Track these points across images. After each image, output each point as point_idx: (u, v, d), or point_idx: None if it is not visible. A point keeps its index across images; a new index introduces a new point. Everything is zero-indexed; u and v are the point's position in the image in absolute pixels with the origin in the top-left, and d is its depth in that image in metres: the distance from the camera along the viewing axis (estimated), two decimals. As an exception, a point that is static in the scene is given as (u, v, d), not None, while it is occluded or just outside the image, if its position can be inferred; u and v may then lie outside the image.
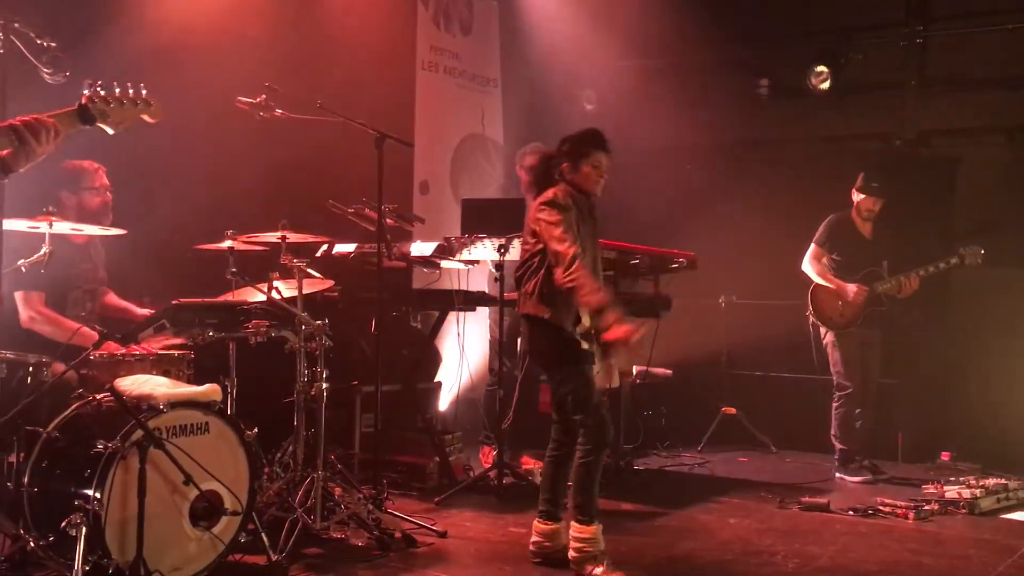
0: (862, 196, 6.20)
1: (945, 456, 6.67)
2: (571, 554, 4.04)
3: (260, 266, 4.58)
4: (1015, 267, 6.65)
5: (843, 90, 7.40)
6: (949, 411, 6.86)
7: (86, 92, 3.06)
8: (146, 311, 4.61)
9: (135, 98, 3.16)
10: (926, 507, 5.26)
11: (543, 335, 4.11)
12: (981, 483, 5.58)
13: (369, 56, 6.75)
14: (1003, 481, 5.63)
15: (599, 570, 3.95)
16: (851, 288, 6.13)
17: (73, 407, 3.63)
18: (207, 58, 5.44)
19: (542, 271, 4.04)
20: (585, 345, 4.04)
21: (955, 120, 7.26)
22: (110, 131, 3.13)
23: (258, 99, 4.63)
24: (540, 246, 4.07)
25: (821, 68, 7.37)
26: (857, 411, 6.24)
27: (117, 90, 3.12)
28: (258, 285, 4.44)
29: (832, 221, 6.31)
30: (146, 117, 3.20)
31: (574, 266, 3.88)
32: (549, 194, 4.09)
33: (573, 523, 4.06)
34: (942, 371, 6.95)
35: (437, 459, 5.65)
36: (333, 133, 5.28)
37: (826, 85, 7.39)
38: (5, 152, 2.96)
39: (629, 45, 7.96)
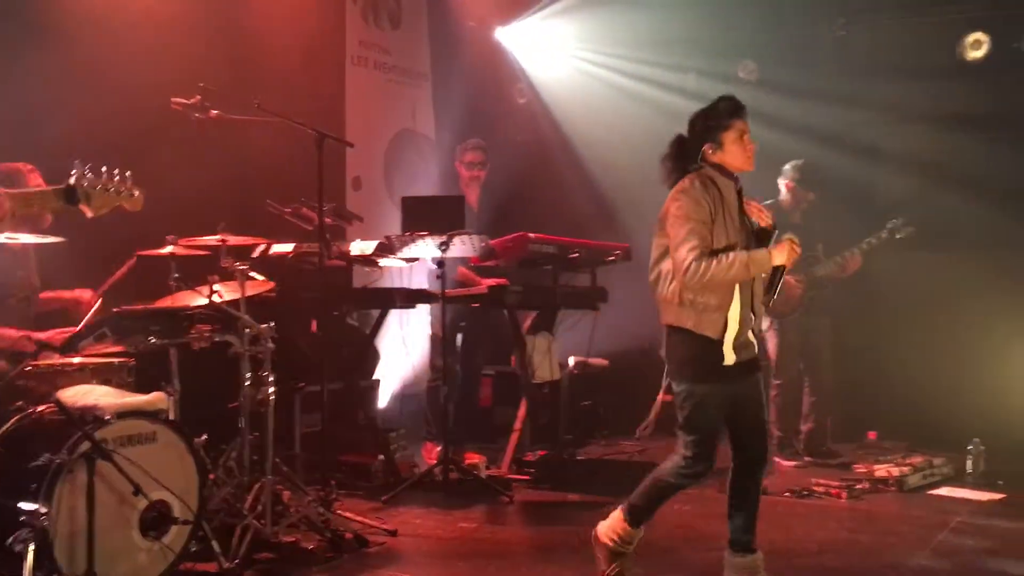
0: (798, 187, 6.35)
1: (872, 435, 6.93)
2: (604, 538, 3.84)
3: (200, 270, 4.50)
4: (932, 250, 6.91)
5: (771, 83, 7.56)
6: (874, 392, 7.11)
7: (74, 173, 3.11)
8: (76, 294, 4.51)
9: (119, 185, 3.21)
10: (858, 486, 5.47)
11: (680, 344, 3.64)
12: (908, 461, 5.81)
13: (299, 52, 6.68)
14: (928, 458, 5.88)
15: (615, 572, 3.81)
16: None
17: (13, 420, 3.54)
18: (139, 60, 5.32)
19: (674, 276, 3.62)
20: (730, 359, 3.62)
21: (874, 108, 7.49)
22: (89, 214, 3.18)
23: (193, 100, 4.55)
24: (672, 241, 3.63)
25: (749, 63, 7.56)
26: (812, 400, 6.38)
27: (104, 175, 3.19)
28: (199, 289, 4.37)
29: (763, 209, 6.46)
30: (126, 205, 3.28)
31: (690, 272, 3.48)
32: (684, 182, 3.62)
33: (620, 516, 3.85)
34: (866, 353, 7.18)
35: (381, 457, 5.65)
36: (266, 133, 5.23)
37: (755, 77, 7.58)
38: None
39: (562, 37, 8.03)
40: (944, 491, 5.55)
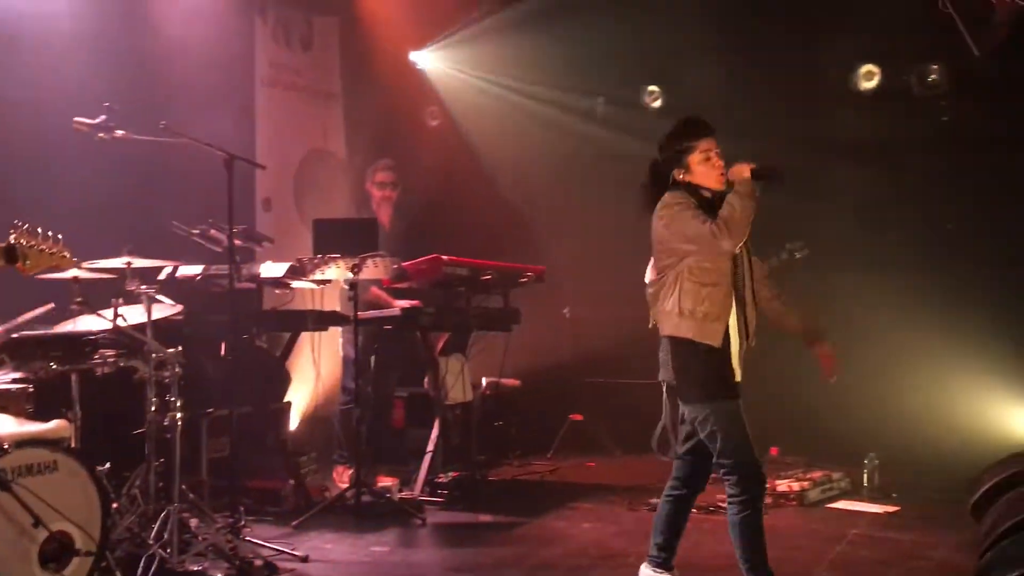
0: None
1: (774, 451, 7.14)
2: None
3: (105, 293, 4.41)
4: (828, 271, 7.19)
5: (675, 108, 7.78)
6: (775, 409, 7.32)
7: (14, 233, 3.31)
8: None
9: (51, 247, 3.41)
10: (761, 501, 5.63)
11: (690, 359, 3.66)
12: (808, 476, 6.01)
13: (208, 73, 6.60)
14: (827, 473, 6.09)
15: None
16: None
17: (-96, 451, 3.40)
18: (44, 79, 5.19)
19: (678, 285, 3.66)
20: (738, 376, 3.69)
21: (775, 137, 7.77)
22: (25, 273, 3.39)
23: (97, 120, 4.47)
24: (670, 260, 3.68)
25: (653, 87, 7.78)
26: None
27: (41, 237, 3.40)
28: (103, 313, 4.27)
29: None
30: (62, 265, 3.51)
31: (719, 231, 3.51)
32: (664, 198, 3.69)
33: None
34: (767, 371, 7.39)
35: (292, 481, 5.59)
36: (174, 153, 5.15)
37: (658, 103, 7.78)
38: None
39: (473, 62, 8.11)
40: (842, 504, 5.76)
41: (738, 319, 3.71)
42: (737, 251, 3.68)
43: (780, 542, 4.89)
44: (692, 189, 3.69)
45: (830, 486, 5.95)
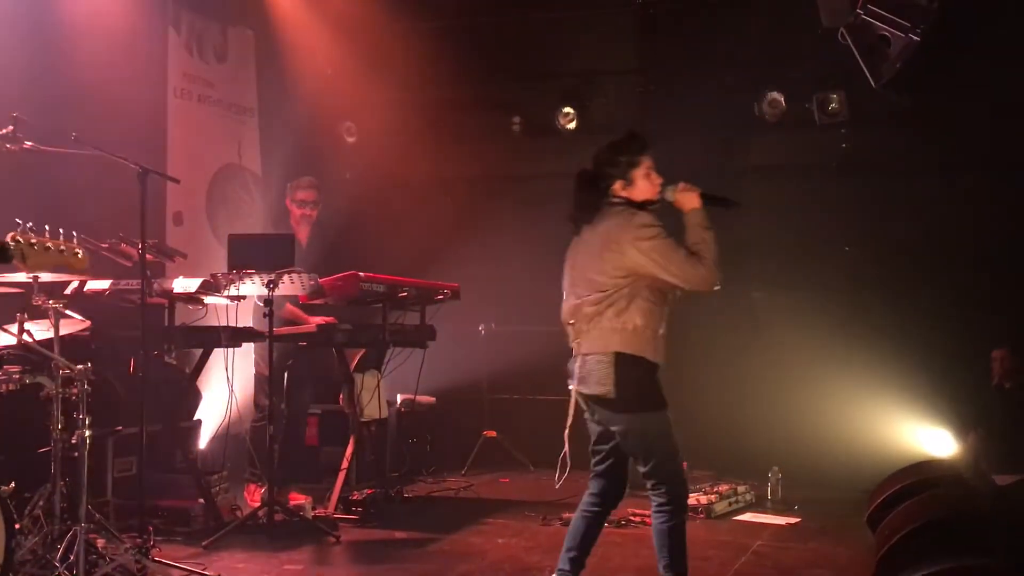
0: None
1: (683, 465, 7.30)
2: None
3: (9, 308, 4.29)
4: (745, 286, 7.44)
5: (588, 129, 7.95)
6: (684, 424, 7.47)
7: (14, 232, 3.06)
8: None
9: (59, 245, 3.17)
10: (671, 514, 5.77)
11: (634, 375, 3.65)
12: (715, 489, 6.19)
13: (119, 83, 6.48)
14: (733, 486, 6.28)
15: None
16: None
17: None
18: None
19: (632, 304, 3.63)
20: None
21: (685, 160, 7.98)
22: (25, 272, 3.26)
23: (5, 130, 4.36)
24: (627, 279, 3.64)
25: (568, 109, 7.90)
26: None
27: (45, 235, 3.15)
28: (8, 328, 4.16)
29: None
30: (72, 264, 3.25)
31: (711, 271, 3.60)
32: (639, 220, 3.65)
33: None
34: (676, 387, 7.57)
35: (202, 500, 5.49)
36: (82, 165, 5.05)
37: (572, 125, 7.93)
38: None
39: (389, 79, 8.13)
40: (747, 517, 5.96)
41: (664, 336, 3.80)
42: None
43: (690, 552, 5.02)
44: (628, 203, 3.72)
45: (736, 499, 6.14)
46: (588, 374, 3.72)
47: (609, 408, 3.71)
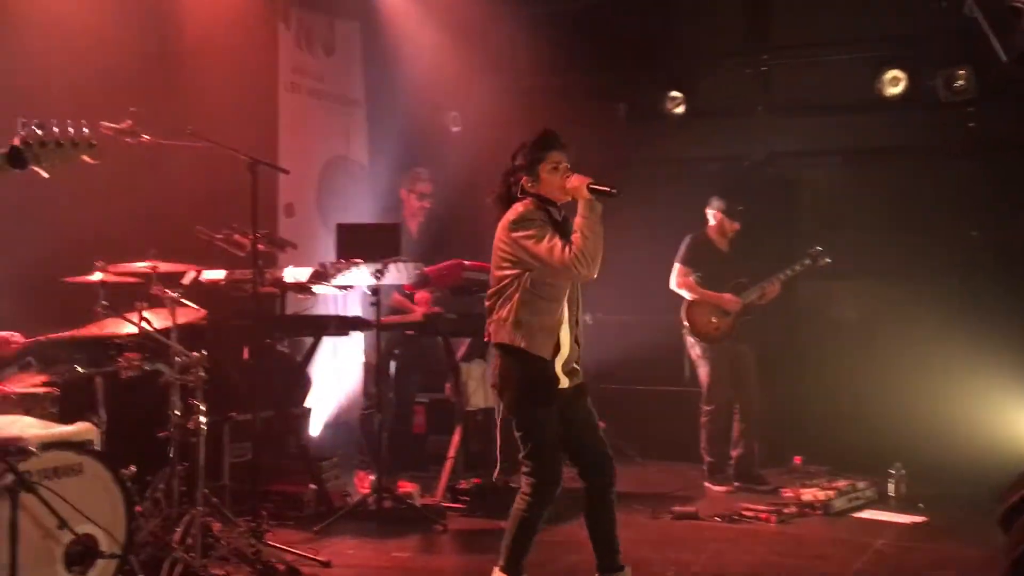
0: (725, 217, 6.52)
1: (797, 460, 7.08)
2: None
3: (130, 297, 4.42)
4: (852, 278, 7.14)
5: (696, 114, 7.76)
6: (799, 417, 7.28)
7: (21, 133, 2.86)
8: (5, 335, 4.36)
9: (74, 138, 2.96)
10: (786, 510, 5.58)
11: (514, 366, 3.76)
12: (833, 485, 5.95)
13: (232, 78, 6.63)
14: (852, 482, 6.02)
15: None
16: (728, 296, 6.41)
17: (-68, 453, 3.42)
18: (69, 84, 5.21)
19: (516, 296, 3.74)
20: (564, 383, 3.83)
21: (797, 142, 7.73)
22: (44, 175, 2.96)
23: (123, 124, 4.48)
24: (513, 271, 3.77)
25: (676, 93, 7.72)
26: (742, 426, 6.49)
27: (56, 129, 2.92)
28: (128, 317, 4.28)
29: (692, 240, 6.61)
30: (86, 158, 3.02)
31: (567, 253, 3.63)
32: (513, 212, 3.80)
33: (496, 569, 3.84)
34: (791, 378, 7.35)
35: (313, 486, 5.58)
36: (197, 158, 5.17)
37: (680, 110, 7.75)
38: None
39: (494, 67, 8.09)
40: (868, 514, 5.69)
41: (571, 329, 3.85)
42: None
43: (805, 551, 4.85)
44: (540, 199, 3.82)
45: (856, 495, 5.89)
46: (490, 365, 3.90)
47: (501, 398, 3.84)
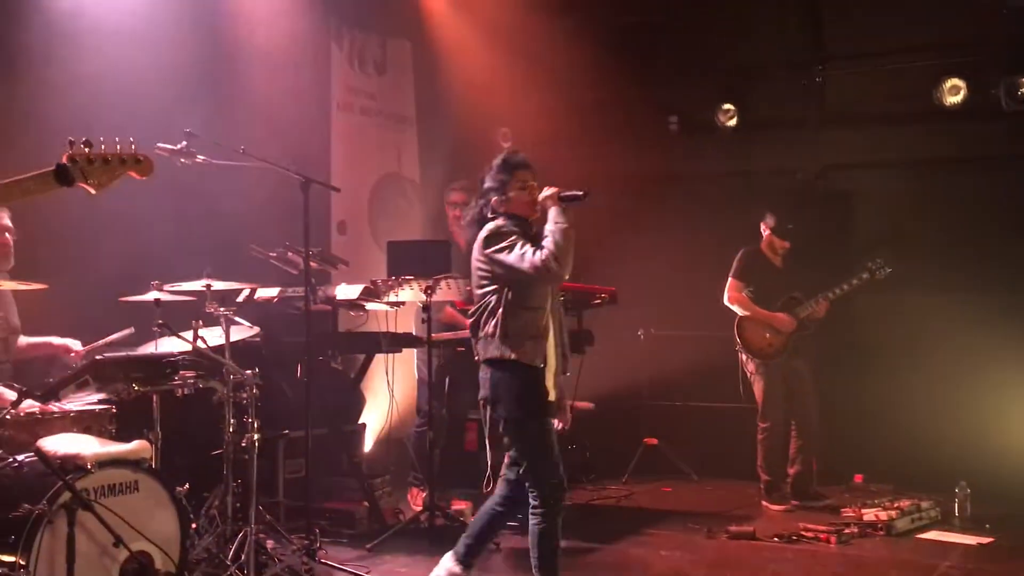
0: (774, 235, 6.41)
1: (858, 478, 6.91)
2: None
3: (184, 315, 4.47)
4: (912, 292, 6.95)
5: (749, 127, 7.68)
6: (859, 434, 7.10)
7: (68, 151, 2.88)
8: (66, 342, 4.43)
9: (121, 155, 2.98)
10: (846, 531, 5.43)
11: (507, 378, 3.85)
12: (896, 504, 5.78)
13: (285, 97, 6.70)
14: (916, 502, 5.85)
15: None
16: (782, 316, 6.30)
17: (-7, 470, 3.48)
18: (123, 107, 5.31)
19: (500, 310, 3.84)
20: (552, 395, 3.93)
21: (852, 154, 7.59)
22: (92, 191, 2.98)
23: (179, 145, 4.55)
24: (493, 286, 3.90)
25: (728, 106, 7.64)
26: (798, 443, 6.37)
27: (103, 147, 2.94)
28: (183, 335, 4.33)
29: (745, 254, 6.50)
30: (134, 174, 3.03)
31: (538, 256, 3.76)
32: (486, 230, 3.94)
33: None
34: (850, 395, 7.19)
35: (366, 504, 5.59)
36: (251, 177, 5.23)
37: (733, 122, 7.67)
38: None
39: (544, 82, 8.09)
40: (932, 535, 5.52)
41: (556, 339, 3.98)
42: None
43: (868, 572, 4.72)
44: (511, 217, 3.95)
45: (919, 515, 5.72)
46: (481, 381, 3.95)
47: (491, 411, 3.91)
